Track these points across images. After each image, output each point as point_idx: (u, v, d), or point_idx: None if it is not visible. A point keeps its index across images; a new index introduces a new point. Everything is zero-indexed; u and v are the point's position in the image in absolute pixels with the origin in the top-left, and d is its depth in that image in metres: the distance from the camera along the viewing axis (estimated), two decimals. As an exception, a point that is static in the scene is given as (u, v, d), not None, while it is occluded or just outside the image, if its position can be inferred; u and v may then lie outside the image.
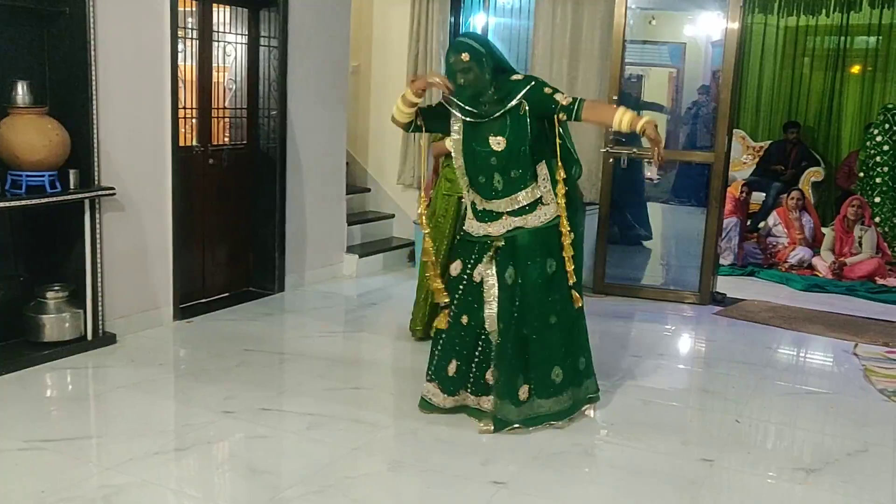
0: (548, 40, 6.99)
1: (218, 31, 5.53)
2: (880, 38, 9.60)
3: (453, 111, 3.65)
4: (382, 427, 3.77)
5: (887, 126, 8.39)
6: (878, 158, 8.38)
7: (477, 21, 7.42)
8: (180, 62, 5.09)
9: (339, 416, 3.79)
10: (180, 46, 5.10)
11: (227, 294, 5.75)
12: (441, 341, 3.79)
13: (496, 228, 3.66)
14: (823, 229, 7.88)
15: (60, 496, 2.96)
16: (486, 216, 3.69)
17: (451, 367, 3.75)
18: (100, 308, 4.56)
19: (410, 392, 4.28)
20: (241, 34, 5.70)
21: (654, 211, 8.32)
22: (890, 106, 8.51)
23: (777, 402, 4.30)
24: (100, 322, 4.57)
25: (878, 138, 8.40)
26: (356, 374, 4.55)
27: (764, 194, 9.03)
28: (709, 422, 4.00)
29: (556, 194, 3.66)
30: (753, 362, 4.88)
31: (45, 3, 4.33)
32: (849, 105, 9.84)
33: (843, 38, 9.74)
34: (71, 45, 4.38)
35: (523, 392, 3.66)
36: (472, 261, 3.72)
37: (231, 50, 5.68)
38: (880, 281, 7.04)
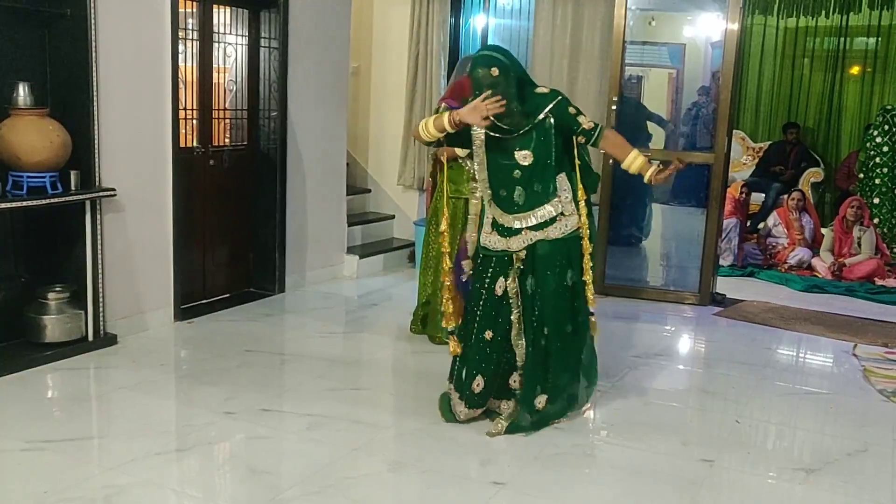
0: (548, 41, 7.00)
1: (218, 32, 5.54)
2: (879, 39, 9.61)
3: (474, 126, 3.56)
4: (382, 427, 3.77)
5: (886, 127, 8.40)
6: (877, 160, 8.38)
7: (477, 22, 7.43)
8: (181, 63, 5.10)
9: (339, 417, 3.80)
10: (181, 47, 5.11)
11: (227, 295, 5.75)
12: (464, 357, 3.73)
13: (516, 244, 3.61)
14: (823, 230, 7.89)
15: (62, 496, 2.97)
16: (505, 231, 3.64)
17: (477, 385, 3.68)
18: (101, 309, 4.57)
19: (410, 392, 4.29)
20: (242, 35, 5.71)
21: (654, 211, 8.31)
22: (889, 107, 8.52)
23: (777, 403, 4.31)
24: (101, 323, 4.58)
25: (878, 139, 8.41)
26: (356, 375, 4.56)
27: (763, 195, 9.04)
28: (709, 422, 4.00)
29: (577, 206, 3.63)
30: (753, 363, 4.89)
31: (46, 4, 4.34)
32: (848, 106, 9.85)
33: (842, 40, 9.75)
34: (72, 47, 4.39)
35: (540, 402, 3.65)
36: (490, 274, 3.67)
37: (231, 51, 5.69)
38: (879, 282, 7.05)
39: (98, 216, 4.51)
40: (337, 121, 6.42)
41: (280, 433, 3.66)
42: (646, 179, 3.59)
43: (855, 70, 9.88)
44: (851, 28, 9.71)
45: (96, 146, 4.47)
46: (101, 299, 4.56)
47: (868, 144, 8.49)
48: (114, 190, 4.53)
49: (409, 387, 4.43)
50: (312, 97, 6.08)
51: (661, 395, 4.27)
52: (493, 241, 3.68)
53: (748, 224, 8.35)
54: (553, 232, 3.60)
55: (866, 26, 9.64)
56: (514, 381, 3.74)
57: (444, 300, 3.82)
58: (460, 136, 3.62)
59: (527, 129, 3.53)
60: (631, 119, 6.96)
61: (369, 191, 7.54)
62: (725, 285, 6.49)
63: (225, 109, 5.73)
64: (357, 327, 5.54)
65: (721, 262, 6.95)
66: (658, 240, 8.34)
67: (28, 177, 4.17)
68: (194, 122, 5.42)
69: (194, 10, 5.34)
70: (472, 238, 3.86)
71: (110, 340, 4.62)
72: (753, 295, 6.52)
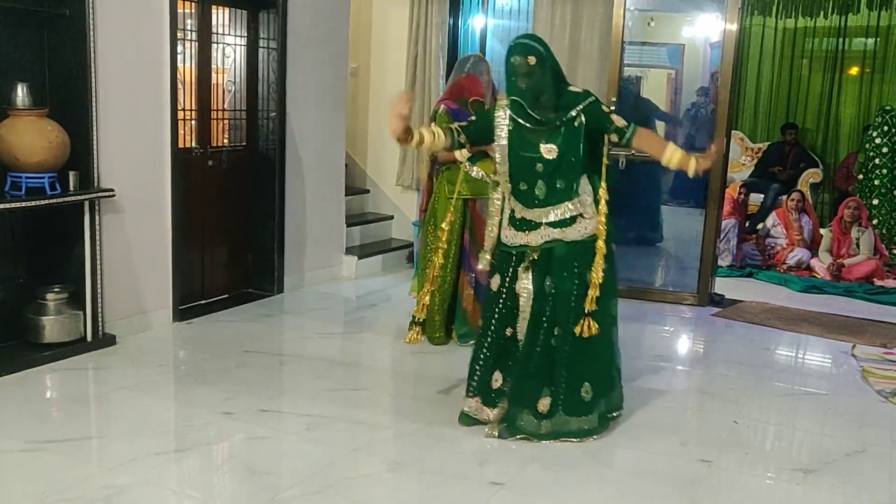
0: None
1: (217, 33, 5.54)
2: (878, 39, 9.62)
3: (500, 113, 3.55)
4: (381, 428, 3.77)
5: (885, 128, 8.40)
6: (876, 161, 8.39)
7: (476, 23, 7.43)
8: (179, 64, 5.10)
9: (338, 417, 3.80)
10: (179, 48, 5.11)
11: (226, 295, 5.75)
12: (482, 356, 3.71)
13: (534, 238, 3.59)
14: (821, 230, 7.89)
15: (61, 497, 2.97)
16: (524, 225, 3.61)
17: (496, 380, 3.67)
18: (100, 309, 4.57)
19: (410, 393, 4.30)
20: (241, 36, 5.71)
21: (653, 212, 8.32)
22: (888, 108, 8.52)
23: (775, 403, 4.31)
24: (100, 323, 4.58)
25: (877, 140, 8.41)
26: (355, 376, 4.56)
27: (762, 195, 9.04)
28: (707, 422, 4.01)
29: (598, 210, 3.56)
30: (752, 363, 4.89)
31: (45, 5, 4.34)
32: (847, 107, 9.86)
33: (841, 40, 9.76)
34: (71, 47, 4.39)
35: (543, 405, 3.57)
36: (510, 273, 3.65)
37: (230, 52, 5.69)
38: (878, 282, 7.05)
39: (97, 217, 4.51)
40: (336, 121, 6.42)
41: (279, 433, 3.66)
42: (691, 173, 3.49)
43: (854, 71, 9.89)
44: (850, 29, 9.72)
45: (95, 147, 4.47)
46: (99, 300, 4.56)
47: (867, 145, 8.49)
48: (112, 190, 4.53)
49: (408, 387, 4.43)
50: (311, 98, 6.08)
51: (659, 396, 4.26)
52: (510, 236, 3.66)
53: (747, 225, 8.35)
54: (571, 233, 3.56)
55: (865, 27, 9.65)
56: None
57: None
58: (482, 131, 3.61)
59: (556, 123, 3.50)
60: (636, 116, 6.96)
61: (368, 191, 7.54)
62: (724, 286, 6.50)
63: (224, 110, 5.73)
64: (356, 328, 5.54)
65: (720, 262, 6.95)
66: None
67: (27, 177, 4.17)
68: (193, 122, 5.42)
69: (193, 10, 5.34)
70: (493, 234, 3.80)
71: (109, 341, 4.62)
72: (752, 295, 6.52)
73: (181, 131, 5.19)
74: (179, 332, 5.03)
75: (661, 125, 8.63)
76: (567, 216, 3.56)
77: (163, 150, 4.95)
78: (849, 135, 9.79)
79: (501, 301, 3.67)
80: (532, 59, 3.43)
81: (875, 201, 8.25)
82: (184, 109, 5.27)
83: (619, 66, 6.11)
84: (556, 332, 3.57)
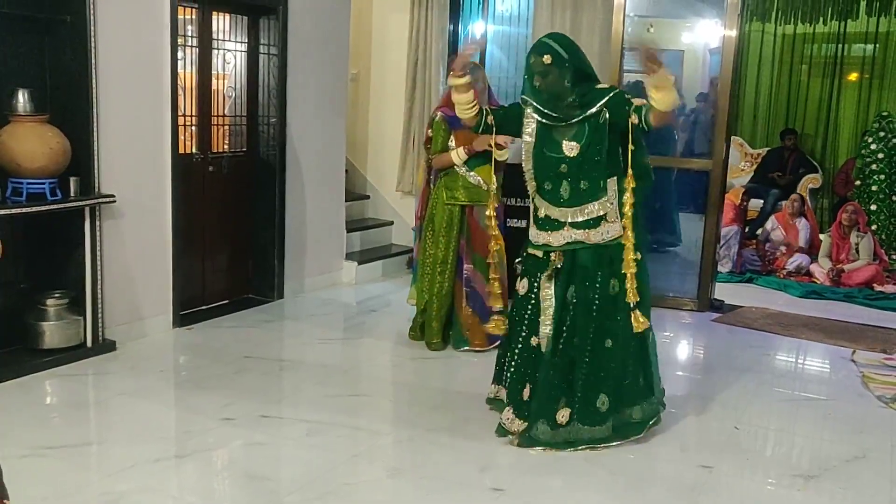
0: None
1: (218, 39, 5.56)
2: (877, 45, 9.64)
3: (528, 111, 3.55)
4: (382, 434, 3.77)
5: (882, 134, 8.44)
6: (873, 166, 8.42)
7: (476, 29, 7.45)
8: (180, 70, 5.11)
9: (338, 423, 3.80)
10: (180, 54, 5.12)
11: (226, 301, 5.75)
12: (511, 366, 3.69)
13: (557, 239, 3.55)
14: (821, 236, 7.90)
15: (62, 503, 2.97)
16: (548, 224, 3.58)
17: (526, 392, 3.62)
18: (100, 315, 4.57)
19: (409, 399, 4.29)
20: (241, 42, 5.72)
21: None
22: (885, 114, 8.55)
23: (775, 409, 4.31)
24: (100, 329, 4.58)
25: (873, 146, 8.45)
26: (355, 382, 4.56)
27: (762, 201, 9.05)
28: (707, 428, 4.00)
29: (622, 214, 3.51)
30: (751, 369, 4.89)
31: (46, 11, 4.35)
32: (846, 112, 9.88)
33: (840, 46, 9.79)
34: (72, 53, 4.40)
35: (563, 416, 3.52)
36: (537, 280, 3.61)
37: (231, 57, 5.70)
38: (878, 288, 7.06)
39: (97, 222, 4.51)
40: (336, 127, 6.43)
41: (279, 439, 3.66)
42: (660, 106, 3.28)
43: (853, 76, 9.91)
44: (849, 35, 9.74)
45: (96, 152, 4.48)
46: (100, 305, 4.56)
47: (864, 151, 8.52)
48: (113, 196, 4.54)
49: (408, 393, 4.43)
50: (311, 103, 6.09)
51: (659, 402, 4.26)
52: (534, 235, 3.64)
53: (746, 230, 8.36)
54: (594, 235, 3.52)
55: (864, 33, 9.67)
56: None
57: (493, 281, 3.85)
58: (512, 120, 3.60)
59: (577, 119, 3.46)
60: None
61: (368, 197, 7.55)
62: (724, 291, 6.50)
63: (224, 116, 5.74)
64: (356, 333, 5.54)
65: (720, 268, 6.96)
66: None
67: (28, 183, 4.18)
68: (193, 128, 5.43)
69: (193, 16, 5.35)
70: (492, 209, 3.82)
71: (109, 347, 4.62)
72: (752, 301, 6.52)
73: (182, 137, 5.19)
74: (179, 338, 5.03)
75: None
76: (591, 217, 3.51)
77: (163, 156, 4.96)
78: (848, 140, 9.81)
79: (530, 307, 3.63)
80: (547, 58, 3.41)
81: (873, 207, 8.27)
82: (184, 115, 5.28)
83: (618, 71, 6.12)
84: (575, 342, 3.53)
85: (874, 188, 8.40)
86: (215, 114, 5.62)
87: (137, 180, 4.80)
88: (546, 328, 3.58)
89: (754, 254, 7.86)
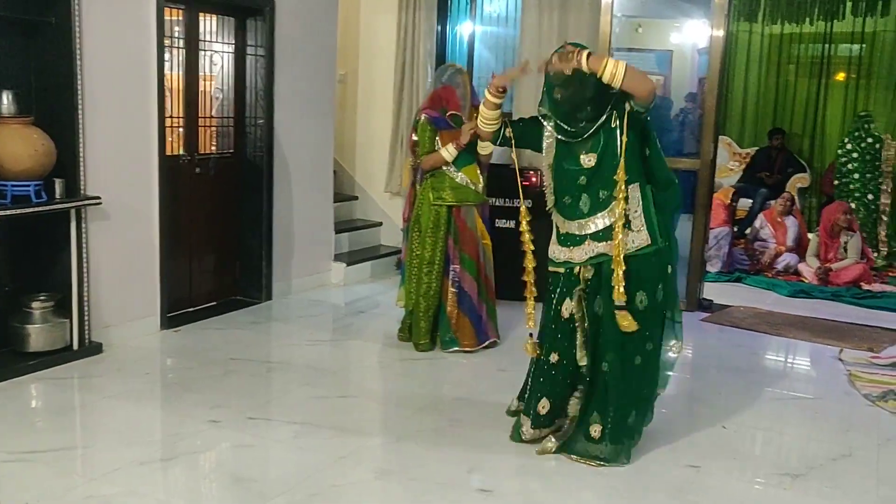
0: (534, 49, 7.00)
1: (204, 41, 5.54)
2: (864, 45, 9.70)
3: (548, 126, 3.46)
4: (369, 435, 3.77)
5: (856, 133, 8.52)
6: (849, 166, 8.48)
7: (464, 30, 7.45)
8: (167, 71, 5.09)
9: (325, 425, 3.79)
10: (167, 55, 5.10)
11: (214, 303, 5.73)
12: (533, 377, 3.65)
13: (578, 254, 3.44)
14: (809, 235, 7.94)
15: (46, 507, 2.96)
16: (569, 240, 3.47)
17: (543, 406, 3.57)
18: (86, 317, 4.54)
19: (397, 401, 4.29)
20: (228, 43, 5.70)
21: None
22: (863, 114, 8.62)
23: (763, 408, 4.32)
24: (86, 331, 4.55)
25: (849, 146, 8.53)
26: (343, 383, 4.55)
27: (750, 201, 9.08)
28: (695, 428, 4.00)
29: (648, 221, 3.40)
30: (740, 368, 4.90)
31: (31, 12, 4.33)
32: (833, 112, 9.94)
33: (826, 46, 9.84)
34: (57, 55, 4.38)
35: (595, 430, 3.47)
36: (557, 295, 3.52)
37: (218, 59, 5.68)
38: (865, 286, 7.09)
39: (83, 224, 4.49)
40: (324, 128, 6.41)
41: (266, 441, 3.65)
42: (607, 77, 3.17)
43: (840, 76, 9.96)
44: (836, 35, 9.80)
45: (81, 154, 4.45)
46: (86, 308, 4.54)
47: (840, 151, 8.60)
48: (99, 198, 4.51)
49: (396, 395, 4.42)
50: (299, 105, 6.07)
51: (647, 401, 4.26)
52: (556, 252, 3.53)
53: (735, 230, 8.39)
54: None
55: (850, 33, 9.73)
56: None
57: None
58: (531, 134, 3.52)
59: (591, 131, 3.35)
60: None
61: (356, 198, 7.54)
62: (712, 291, 6.52)
63: (211, 117, 5.72)
64: (344, 335, 5.53)
65: (710, 268, 6.97)
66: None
67: (12, 185, 4.16)
68: (180, 129, 5.40)
69: (180, 17, 5.33)
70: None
71: (95, 349, 4.59)
72: (740, 300, 6.54)
73: (168, 138, 5.17)
74: (167, 340, 5.01)
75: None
76: (609, 224, 3.37)
77: (150, 158, 4.94)
78: (835, 140, 9.86)
79: (549, 324, 3.57)
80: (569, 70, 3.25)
81: (853, 205, 8.31)
82: (171, 116, 5.26)
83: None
84: (607, 358, 3.46)
85: (851, 187, 8.47)
86: (202, 115, 5.60)
87: (124, 182, 4.78)
88: (578, 344, 3.50)
89: (742, 253, 7.89)
